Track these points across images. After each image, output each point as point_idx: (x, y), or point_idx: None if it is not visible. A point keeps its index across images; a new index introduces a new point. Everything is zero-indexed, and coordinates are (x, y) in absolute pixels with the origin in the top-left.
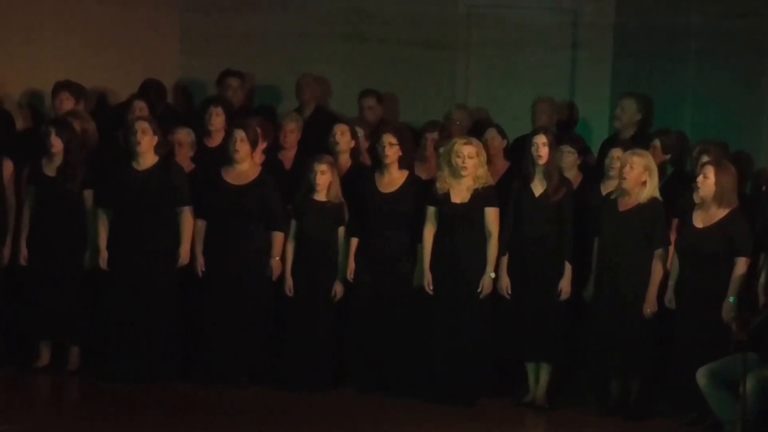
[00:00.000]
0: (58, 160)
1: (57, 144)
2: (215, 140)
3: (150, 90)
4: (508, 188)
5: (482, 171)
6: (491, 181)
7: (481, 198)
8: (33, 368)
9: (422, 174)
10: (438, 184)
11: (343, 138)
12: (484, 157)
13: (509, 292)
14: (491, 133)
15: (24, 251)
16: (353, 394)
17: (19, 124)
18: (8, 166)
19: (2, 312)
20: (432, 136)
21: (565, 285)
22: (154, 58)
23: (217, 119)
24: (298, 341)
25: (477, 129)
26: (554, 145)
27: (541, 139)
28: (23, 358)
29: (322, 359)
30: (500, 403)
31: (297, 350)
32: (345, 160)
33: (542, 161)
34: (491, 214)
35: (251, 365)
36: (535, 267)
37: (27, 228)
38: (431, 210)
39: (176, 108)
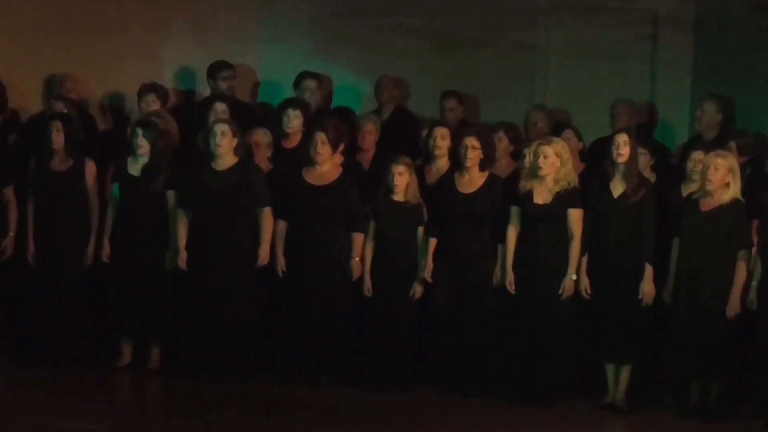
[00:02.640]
0: (143, 161)
1: (144, 145)
2: (292, 142)
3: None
4: (584, 190)
5: (564, 172)
6: (576, 183)
7: (563, 199)
8: (114, 367)
9: (494, 173)
10: (521, 184)
11: (443, 142)
12: (565, 157)
13: (588, 292)
14: (567, 134)
15: (107, 249)
16: (433, 395)
17: (101, 125)
18: (91, 167)
19: (85, 311)
20: (498, 135)
21: (646, 287)
22: (235, 60)
23: (295, 121)
24: (378, 342)
25: (556, 130)
26: (635, 146)
27: (622, 138)
28: (105, 357)
29: (401, 359)
30: (580, 404)
31: (376, 351)
32: (443, 163)
33: (622, 159)
34: (574, 216)
35: (331, 365)
36: (615, 268)
37: (111, 227)
38: (515, 210)
39: (255, 109)
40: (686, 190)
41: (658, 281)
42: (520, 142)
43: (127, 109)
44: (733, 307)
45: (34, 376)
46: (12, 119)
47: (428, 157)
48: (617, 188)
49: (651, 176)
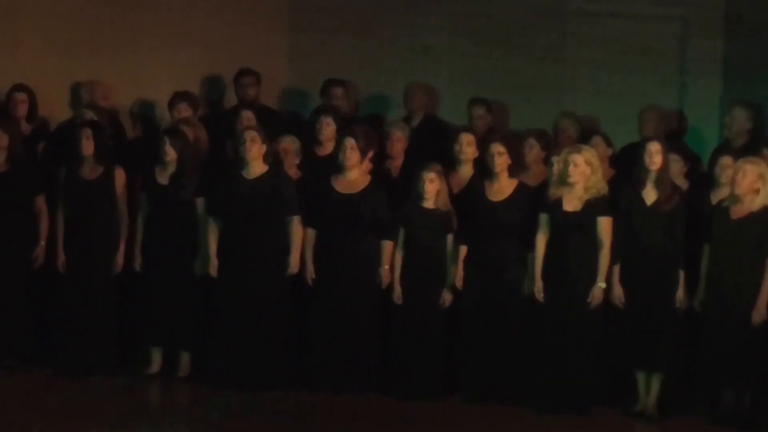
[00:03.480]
0: (171, 169)
1: (171, 152)
2: (326, 149)
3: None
4: (613, 196)
5: (594, 180)
6: (605, 191)
7: (593, 207)
8: (145, 375)
9: (524, 181)
10: (550, 192)
11: (468, 148)
12: (595, 165)
13: (621, 300)
14: (596, 141)
15: (138, 258)
16: (463, 402)
17: (130, 133)
18: (121, 175)
19: (115, 319)
20: (530, 142)
21: (680, 294)
22: (261, 65)
23: (328, 128)
24: (408, 349)
25: (584, 137)
26: (667, 153)
27: (654, 147)
28: (135, 364)
29: (431, 367)
30: (610, 412)
31: (406, 358)
32: (468, 169)
33: (655, 167)
34: (604, 224)
35: (360, 373)
36: (647, 276)
37: (140, 235)
38: (544, 217)
39: (282, 117)
40: (716, 197)
41: (689, 289)
42: (550, 149)
43: (157, 117)
44: (759, 314)
45: (65, 383)
46: (41, 127)
47: (453, 163)
48: (650, 196)
49: (684, 183)
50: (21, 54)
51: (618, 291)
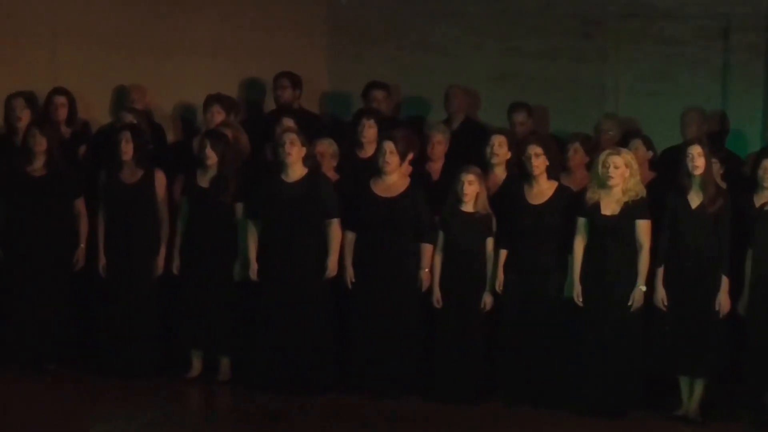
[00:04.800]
0: (212, 172)
1: (212, 156)
2: (367, 152)
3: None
4: (654, 199)
5: (633, 183)
6: (644, 194)
7: (631, 210)
8: (185, 379)
9: (568, 185)
10: (588, 195)
11: (500, 149)
12: (634, 168)
13: (665, 304)
14: (636, 144)
15: (177, 261)
16: (502, 406)
17: (170, 136)
18: (160, 178)
19: (155, 322)
20: (574, 146)
21: (723, 299)
22: (301, 69)
23: (369, 131)
24: (447, 353)
25: (625, 139)
26: (709, 156)
27: (696, 150)
28: (176, 368)
29: (471, 371)
30: (651, 416)
31: (446, 362)
32: (500, 171)
33: (698, 172)
34: (642, 227)
35: (400, 376)
36: (692, 279)
37: (180, 239)
38: (582, 221)
39: (321, 120)
40: (759, 199)
41: (733, 293)
42: (594, 153)
43: (197, 121)
44: None
45: (105, 387)
46: (82, 131)
47: (486, 165)
48: (694, 199)
49: (722, 185)
50: (60, 58)
51: (661, 294)
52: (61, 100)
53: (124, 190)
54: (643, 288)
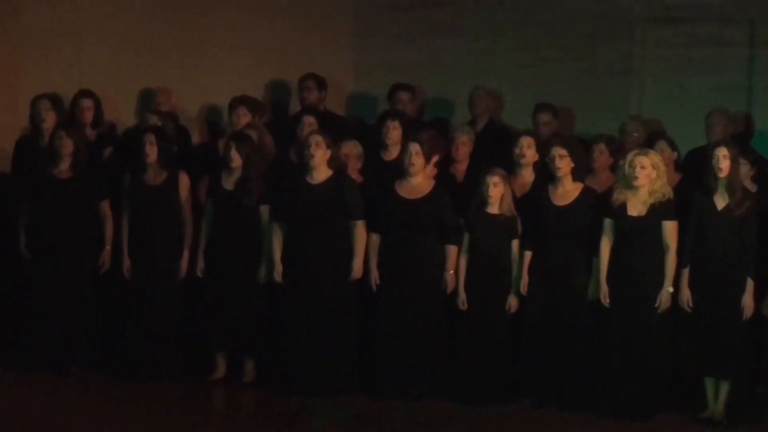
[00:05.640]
0: (236, 175)
1: (236, 158)
2: (392, 154)
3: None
4: (679, 201)
5: (659, 184)
6: (670, 195)
7: (658, 211)
8: (209, 380)
9: (593, 186)
10: (614, 196)
11: (529, 151)
12: (661, 169)
13: (690, 305)
14: (661, 145)
15: (201, 263)
16: (528, 408)
17: (196, 138)
18: (184, 180)
19: (180, 324)
20: (599, 147)
21: (747, 301)
22: (327, 71)
23: (394, 132)
24: (472, 354)
25: (649, 141)
26: (736, 158)
27: (722, 152)
28: (200, 370)
29: (496, 373)
30: (677, 418)
31: (471, 364)
32: (527, 173)
33: (723, 174)
34: (669, 228)
35: (425, 378)
36: (717, 281)
37: (205, 241)
38: (608, 222)
39: (346, 122)
40: None
41: (757, 295)
42: (618, 155)
43: (223, 123)
44: None
45: (129, 389)
46: (108, 133)
47: (513, 168)
48: (720, 201)
49: (752, 187)
50: (86, 59)
51: (687, 295)
52: (87, 103)
53: (148, 192)
54: (670, 289)
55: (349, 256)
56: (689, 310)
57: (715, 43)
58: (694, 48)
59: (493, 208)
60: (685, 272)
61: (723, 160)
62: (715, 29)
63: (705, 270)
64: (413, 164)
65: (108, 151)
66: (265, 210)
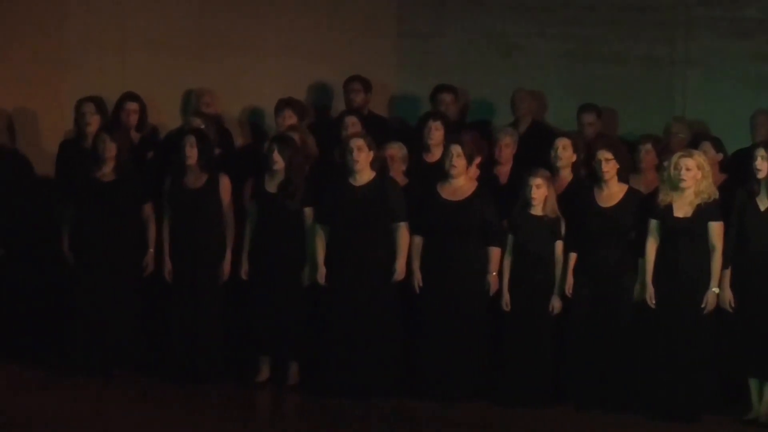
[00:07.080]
0: (279, 177)
1: (279, 161)
2: (434, 155)
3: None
4: (724, 201)
5: (705, 185)
6: (716, 195)
7: (704, 212)
8: (253, 383)
9: (638, 187)
10: (660, 197)
11: (565, 152)
12: (706, 170)
13: (732, 305)
14: (705, 146)
15: (246, 266)
16: (572, 410)
17: (239, 140)
18: (225, 182)
19: (223, 327)
20: (646, 148)
21: None
22: (370, 72)
23: (436, 133)
24: (516, 357)
25: (693, 142)
26: None
27: (760, 153)
28: (244, 373)
29: (540, 375)
30: (724, 420)
31: (515, 366)
32: (566, 174)
33: (762, 175)
34: (715, 229)
35: (469, 380)
36: (760, 282)
37: (248, 243)
38: (654, 223)
39: (390, 123)
40: None
41: None
42: (664, 155)
43: (265, 125)
44: None
45: (174, 392)
46: (151, 136)
47: (551, 169)
48: (764, 202)
49: None
50: (130, 63)
51: (729, 296)
52: (133, 106)
53: (189, 195)
54: (717, 290)
55: (392, 258)
56: (731, 310)
57: (757, 43)
58: (736, 48)
59: (537, 210)
60: (727, 273)
61: (761, 161)
62: (758, 27)
63: (747, 271)
64: (455, 166)
65: (151, 153)
66: (308, 212)
